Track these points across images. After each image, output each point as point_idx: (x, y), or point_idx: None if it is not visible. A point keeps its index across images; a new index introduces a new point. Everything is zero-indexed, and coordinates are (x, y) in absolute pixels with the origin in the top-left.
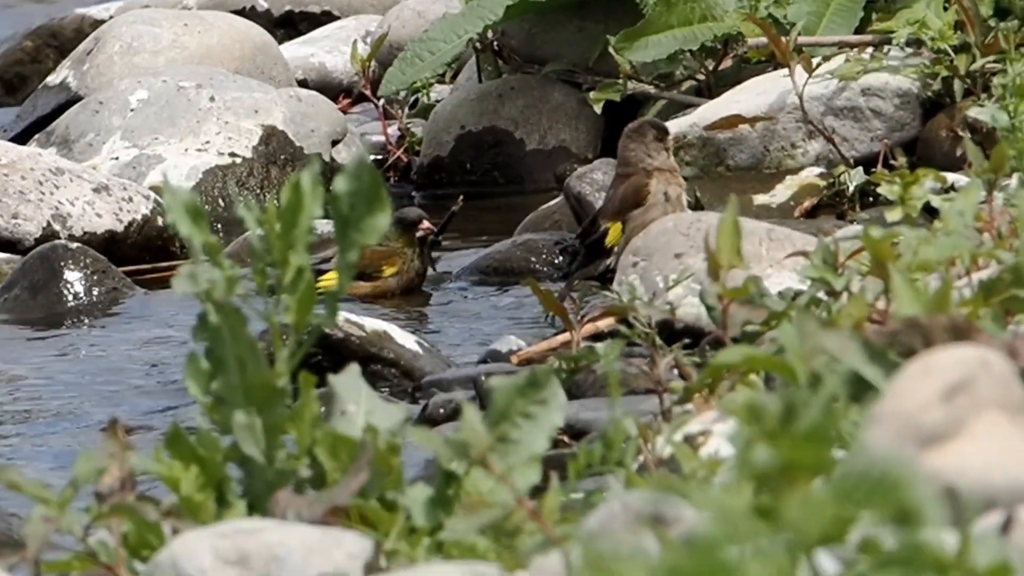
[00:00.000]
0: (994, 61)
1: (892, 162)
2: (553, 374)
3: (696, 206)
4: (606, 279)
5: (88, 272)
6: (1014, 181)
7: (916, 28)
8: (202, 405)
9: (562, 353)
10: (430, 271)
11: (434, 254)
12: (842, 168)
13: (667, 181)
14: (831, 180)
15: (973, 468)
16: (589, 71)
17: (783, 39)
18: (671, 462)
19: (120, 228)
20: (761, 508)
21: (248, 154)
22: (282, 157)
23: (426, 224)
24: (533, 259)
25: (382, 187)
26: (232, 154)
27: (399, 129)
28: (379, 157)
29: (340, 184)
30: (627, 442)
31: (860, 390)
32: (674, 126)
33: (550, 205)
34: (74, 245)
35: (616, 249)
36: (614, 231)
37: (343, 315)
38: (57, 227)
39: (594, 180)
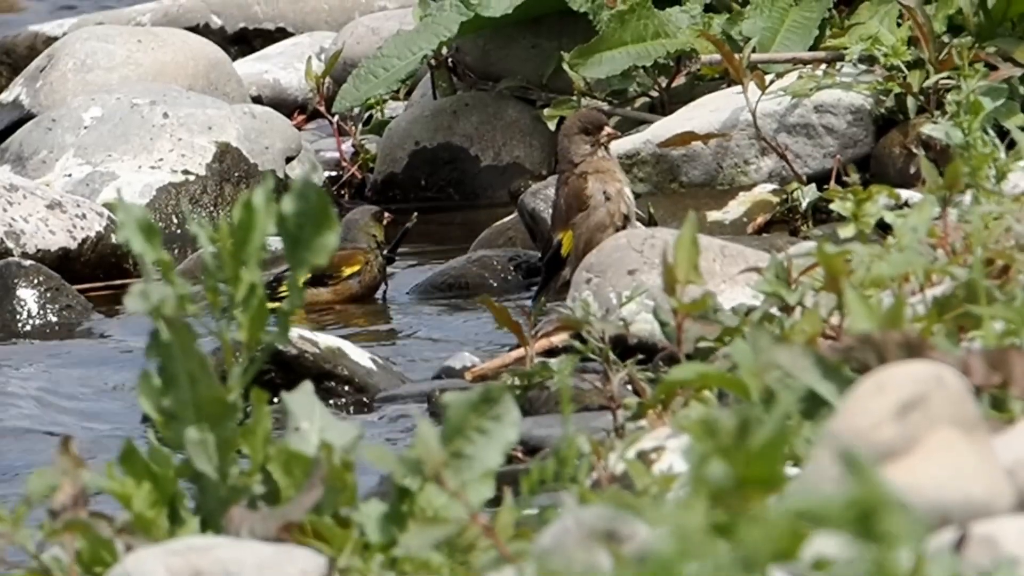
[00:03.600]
0: (947, 77)
1: (845, 178)
2: (507, 390)
3: (649, 222)
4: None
5: (41, 289)
6: (968, 197)
7: (869, 44)
8: (154, 422)
9: (516, 369)
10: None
11: (388, 270)
12: (795, 185)
13: (603, 181)
14: (784, 196)
15: (927, 484)
16: (543, 88)
17: (736, 56)
18: (624, 478)
19: (74, 245)
20: (715, 524)
21: (202, 171)
22: (236, 174)
23: (387, 215)
24: (487, 275)
25: (329, 206)
26: (186, 171)
27: (353, 145)
28: (333, 173)
29: (287, 204)
30: (580, 458)
31: (814, 406)
32: (627, 143)
33: (504, 221)
34: (27, 262)
35: (571, 258)
36: (566, 240)
37: (297, 332)
38: (10, 244)
39: (548, 196)
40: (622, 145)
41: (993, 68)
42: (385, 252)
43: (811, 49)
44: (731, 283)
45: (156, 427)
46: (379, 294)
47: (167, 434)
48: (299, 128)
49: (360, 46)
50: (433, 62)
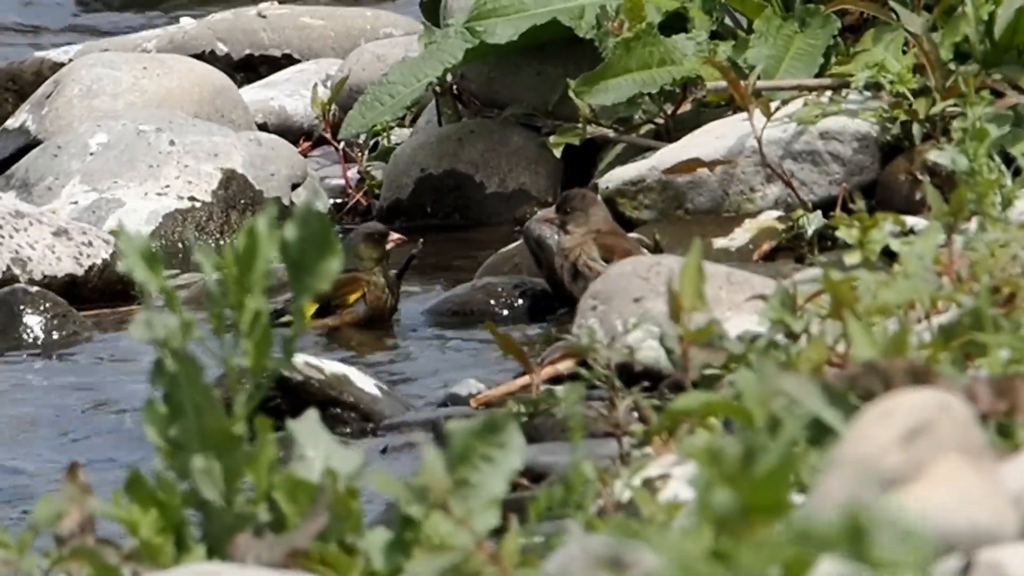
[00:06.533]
0: (953, 105)
1: (851, 206)
2: (512, 417)
3: (655, 249)
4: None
5: (48, 316)
6: (974, 225)
7: (875, 71)
8: (160, 450)
9: (521, 397)
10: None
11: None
12: (801, 212)
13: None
14: (790, 224)
15: (933, 512)
16: (548, 115)
17: (742, 83)
18: (630, 506)
19: (80, 272)
20: (720, 552)
21: (208, 198)
22: (242, 201)
23: (395, 236)
24: (493, 302)
25: (331, 231)
26: (192, 198)
27: (359, 172)
28: (339, 200)
29: (290, 230)
30: (586, 486)
31: (820, 434)
32: (633, 170)
33: (510, 248)
34: (34, 289)
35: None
36: None
37: (302, 358)
38: (17, 271)
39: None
40: (627, 172)
41: (999, 95)
42: (392, 273)
43: (816, 76)
44: (737, 310)
45: (162, 455)
46: (394, 315)
47: (173, 462)
48: (305, 155)
49: (366, 73)
50: (438, 89)
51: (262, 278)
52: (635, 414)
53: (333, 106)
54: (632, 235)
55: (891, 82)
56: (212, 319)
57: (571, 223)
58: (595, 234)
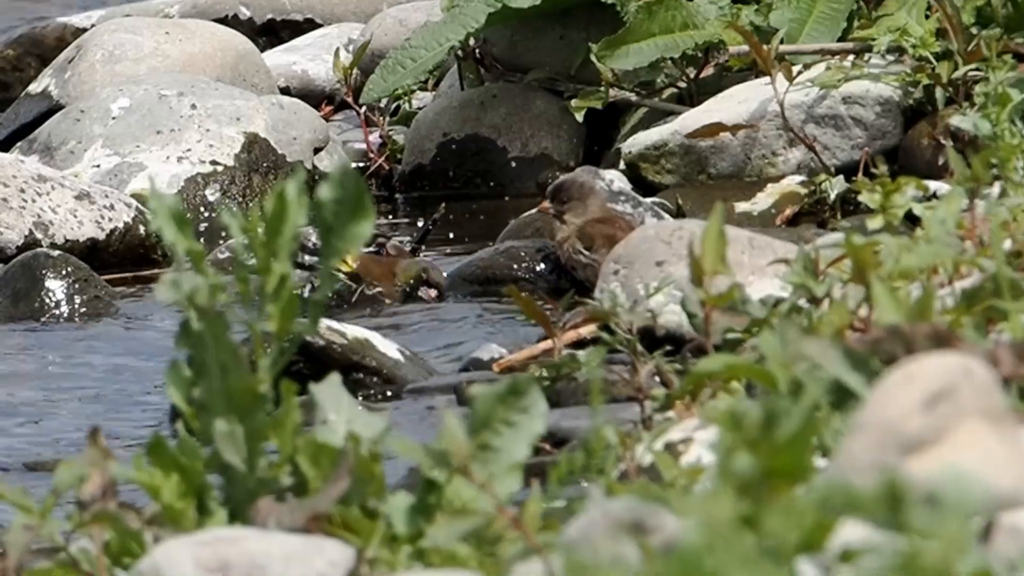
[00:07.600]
0: (976, 69)
1: (873, 170)
2: (534, 382)
3: (677, 214)
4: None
5: (70, 280)
6: (996, 189)
7: (897, 36)
8: (183, 413)
9: (544, 361)
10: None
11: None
12: (823, 176)
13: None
14: (812, 188)
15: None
16: (571, 79)
17: (765, 47)
18: (652, 470)
19: (102, 236)
20: (742, 516)
21: (230, 162)
22: (264, 165)
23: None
24: (515, 266)
25: (366, 194)
26: (214, 162)
27: (381, 136)
28: (361, 164)
29: (324, 191)
30: (608, 450)
31: (842, 398)
32: (655, 134)
33: (532, 213)
34: (56, 253)
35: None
36: None
37: (325, 323)
38: (39, 235)
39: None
40: (649, 136)
41: (1022, 59)
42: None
43: (839, 40)
44: (759, 274)
45: (185, 418)
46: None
47: (196, 425)
48: (327, 119)
49: (388, 37)
50: (460, 53)
51: (289, 242)
52: (657, 378)
53: (355, 70)
54: (654, 199)
55: (913, 46)
56: (238, 283)
57: (569, 213)
58: (583, 223)
